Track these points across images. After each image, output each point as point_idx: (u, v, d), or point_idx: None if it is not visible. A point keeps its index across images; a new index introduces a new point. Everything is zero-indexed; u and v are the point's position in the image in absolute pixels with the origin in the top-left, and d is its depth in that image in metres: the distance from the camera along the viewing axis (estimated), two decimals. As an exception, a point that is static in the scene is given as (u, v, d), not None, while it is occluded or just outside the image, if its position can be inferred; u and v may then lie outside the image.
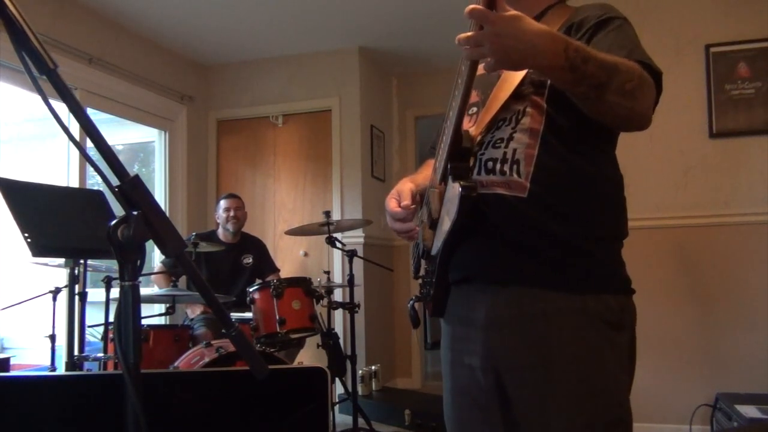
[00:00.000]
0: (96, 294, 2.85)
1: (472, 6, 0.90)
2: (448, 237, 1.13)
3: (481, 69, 1.26)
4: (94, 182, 3.91)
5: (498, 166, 1.14)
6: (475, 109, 1.24)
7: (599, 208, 1.15)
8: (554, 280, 1.11)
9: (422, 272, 1.34)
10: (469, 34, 0.93)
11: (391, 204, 1.26)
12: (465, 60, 1.00)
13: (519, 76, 1.15)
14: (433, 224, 1.20)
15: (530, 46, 0.92)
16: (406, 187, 1.29)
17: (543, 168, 1.12)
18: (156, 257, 4.02)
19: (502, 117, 1.16)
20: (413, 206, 1.25)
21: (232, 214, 3.81)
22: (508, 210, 1.13)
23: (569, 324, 1.09)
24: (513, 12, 0.91)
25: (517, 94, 1.15)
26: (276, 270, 3.97)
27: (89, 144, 0.77)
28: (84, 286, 2.59)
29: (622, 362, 1.12)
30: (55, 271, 3.03)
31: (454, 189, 1.08)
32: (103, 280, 2.71)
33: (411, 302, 1.37)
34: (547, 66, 0.96)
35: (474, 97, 1.25)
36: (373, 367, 4.28)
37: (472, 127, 1.20)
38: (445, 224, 1.13)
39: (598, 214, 1.15)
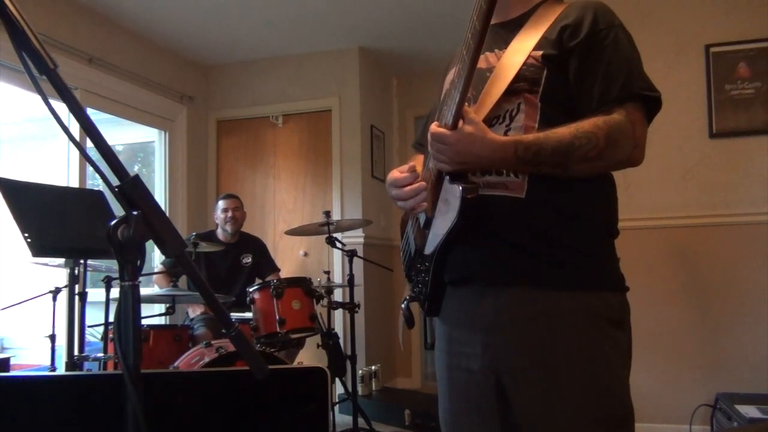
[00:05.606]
0: (96, 294, 2.85)
1: (432, 129, 1.08)
2: (446, 238, 1.10)
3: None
4: (94, 182, 3.90)
5: None
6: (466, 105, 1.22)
7: (596, 206, 1.15)
8: (556, 280, 1.10)
9: (413, 272, 1.32)
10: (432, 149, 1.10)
11: (394, 174, 1.22)
12: (464, 58, 1.00)
13: (512, 71, 1.12)
14: (427, 224, 1.18)
15: (476, 158, 1.07)
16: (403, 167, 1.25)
17: None
18: (156, 257, 4.02)
19: (495, 115, 1.14)
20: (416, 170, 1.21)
21: (230, 214, 3.80)
22: (506, 211, 1.11)
23: (572, 322, 1.09)
24: (467, 130, 1.04)
25: (511, 90, 1.12)
26: (276, 269, 3.96)
27: (89, 144, 0.77)
28: (84, 286, 2.59)
29: (624, 359, 1.12)
30: (55, 271, 3.03)
31: (454, 191, 1.06)
32: (103, 280, 2.70)
33: (405, 302, 1.36)
34: (499, 166, 1.10)
35: None
36: (373, 367, 4.28)
37: None
38: (441, 225, 1.11)
39: (596, 211, 1.15)
